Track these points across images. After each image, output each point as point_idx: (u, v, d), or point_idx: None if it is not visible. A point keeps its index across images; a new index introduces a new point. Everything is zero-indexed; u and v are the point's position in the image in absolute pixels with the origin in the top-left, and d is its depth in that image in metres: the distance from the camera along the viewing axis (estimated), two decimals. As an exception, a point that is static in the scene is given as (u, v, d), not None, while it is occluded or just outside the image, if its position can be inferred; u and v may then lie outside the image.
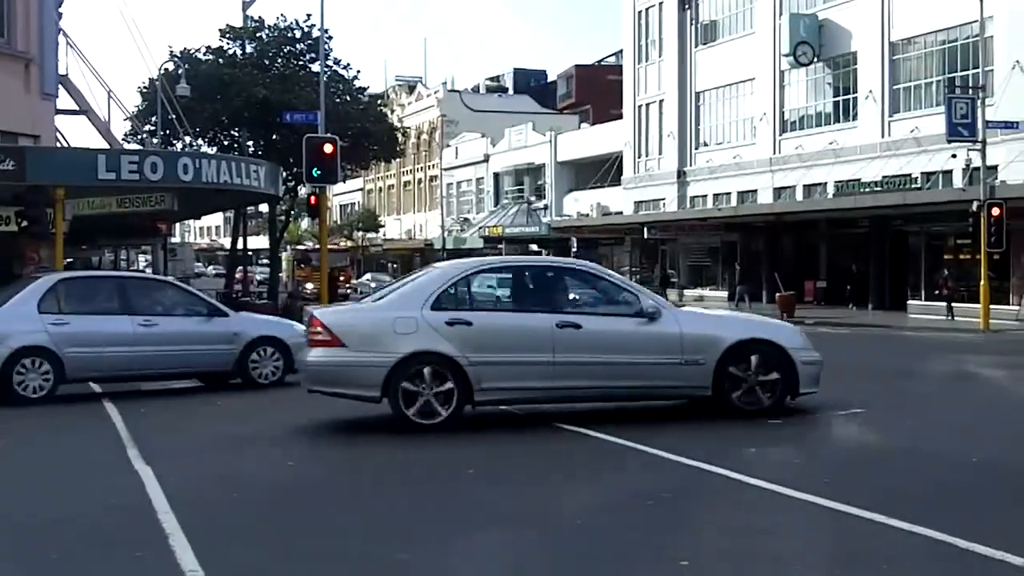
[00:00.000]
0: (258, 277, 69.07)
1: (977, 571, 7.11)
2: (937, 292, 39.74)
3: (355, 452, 12.07)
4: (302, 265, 62.16)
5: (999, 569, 7.03)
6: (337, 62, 38.60)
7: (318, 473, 10.79)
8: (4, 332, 16.33)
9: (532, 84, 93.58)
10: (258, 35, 38.24)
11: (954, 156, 37.71)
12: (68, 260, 30.61)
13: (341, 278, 53.48)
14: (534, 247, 71.23)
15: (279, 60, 38.03)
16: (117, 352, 16.92)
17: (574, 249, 61.54)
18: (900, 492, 9.41)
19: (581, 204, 67.21)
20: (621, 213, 60.76)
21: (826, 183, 46.37)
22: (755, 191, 50.73)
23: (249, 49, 38.03)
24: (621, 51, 67.81)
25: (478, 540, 8.11)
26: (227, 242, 53.52)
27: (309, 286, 50.85)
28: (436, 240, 78.89)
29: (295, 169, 33.49)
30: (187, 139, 36.42)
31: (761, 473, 9.94)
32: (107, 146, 31.64)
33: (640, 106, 60.54)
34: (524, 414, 14.16)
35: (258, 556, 7.74)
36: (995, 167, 35.91)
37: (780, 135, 49.77)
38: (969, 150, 35.56)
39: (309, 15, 37.53)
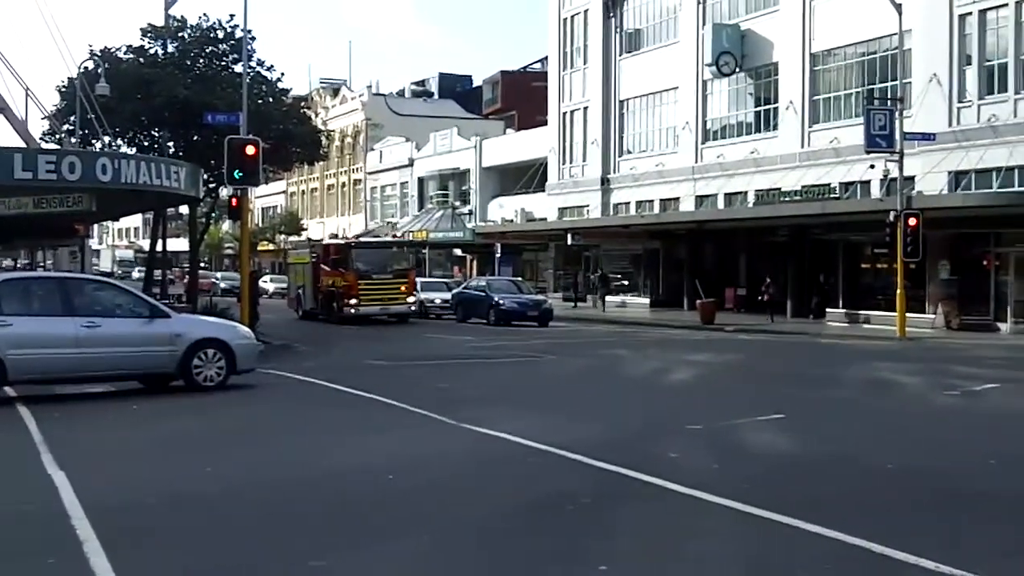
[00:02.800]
0: (223, 284, 67.09)
1: (891, 575, 7.21)
2: (760, 298, 42.75)
3: (274, 456, 11.95)
4: (337, 267, 43.77)
5: (913, 573, 7.14)
6: (260, 63, 38.19)
7: (236, 478, 10.66)
8: None
9: (457, 89, 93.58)
10: (180, 35, 37.73)
11: (872, 167, 38.34)
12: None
13: (403, 288, 42.99)
14: (458, 251, 71.21)
15: (201, 60, 37.55)
16: (60, 354, 16.62)
17: (498, 255, 61.58)
18: (817, 497, 9.53)
19: (506, 210, 67.29)
20: (545, 219, 60.92)
21: (747, 192, 46.88)
22: (677, 199, 51.16)
23: (171, 49, 37.53)
24: (547, 58, 68.02)
25: (390, 548, 8.06)
26: (147, 244, 52.64)
27: (353, 301, 41.97)
28: (359, 244, 78.30)
29: (216, 171, 33.11)
30: (106, 139, 35.81)
31: (680, 478, 10.02)
32: (24, 145, 31.04)
33: (565, 113, 60.77)
34: (422, 414, 14.18)
35: (173, 563, 7.63)
36: (912, 178, 36.56)
37: (702, 144, 50.25)
38: (887, 161, 36.15)
39: (232, 15, 37.01)
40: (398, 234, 57.48)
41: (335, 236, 53.09)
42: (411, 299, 43.61)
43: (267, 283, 77.13)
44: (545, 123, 63.73)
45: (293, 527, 8.57)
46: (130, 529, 8.48)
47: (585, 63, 58.90)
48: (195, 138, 35.93)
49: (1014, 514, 9.04)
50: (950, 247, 37.19)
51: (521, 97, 77.65)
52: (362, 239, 46.95)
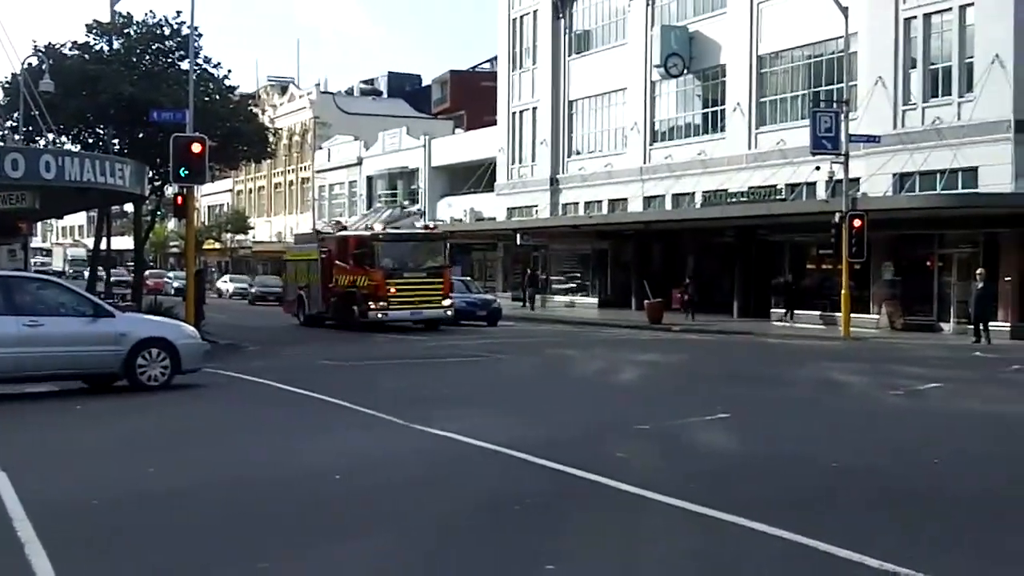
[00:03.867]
0: (176, 284, 65.91)
1: (835, 573, 7.28)
2: (682, 297, 43.85)
3: (220, 456, 11.85)
4: (360, 264, 37.34)
5: (857, 571, 7.21)
6: (207, 60, 37.79)
7: (181, 479, 10.55)
8: None
9: (407, 88, 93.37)
10: (126, 31, 37.29)
11: (818, 168, 38.65)
12: None
13: (438, 288, 37.21)
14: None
15: (147, 57, 37.15)
16: (2, 353, 16.39)
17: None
18: (763, 496, 9.60)
19: (455, 209, 67.22)
20: (494, 219, 60.91)
21: (694, 193, 47.13)
22: (626, 199, 51.33)
23: (116, 45, 37.08)
24: (496, 58, 68.05)
25: (336, 549, 8.02)
26: (91, 242, 52.06)
27: (380, 305, 36.11)
28: (307, 243, 77.83)
29: (162, 168, 32.76)
30: (50, 136, 35.37)
31: (628, 477, 10.05)
32: (-35, 141, 30.60)
33: (514, 113, 60.80)
34: (372, 414, 14.14)
35: (117, 565, 7.55)
36: (857, 179, 36.91)
37: (650, 145, 50.45)
38: (832, 163, 36.45)
39: (179, 12, 36.59)
40: (431, 224, 46.48)
41: (342, 227, 43.55)
42: (447, 301, 37.39)
43: (226, 283, 76.35)
44: (494, 123, 63.75)
45: (238, 528, 8.51)
46: (73, 531, 8.38)
47: (534, 63, 58.97)
48: (140, 135, 35.55)
49: (957, 512, 9.16)
50: (894, 248, 37.60)
51: (470, 97, 77.64)
52: (389, 229, 38.50)
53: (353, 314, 37.13)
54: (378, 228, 38.20)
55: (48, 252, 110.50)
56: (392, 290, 36.07)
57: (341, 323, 38.00)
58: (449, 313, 37.53)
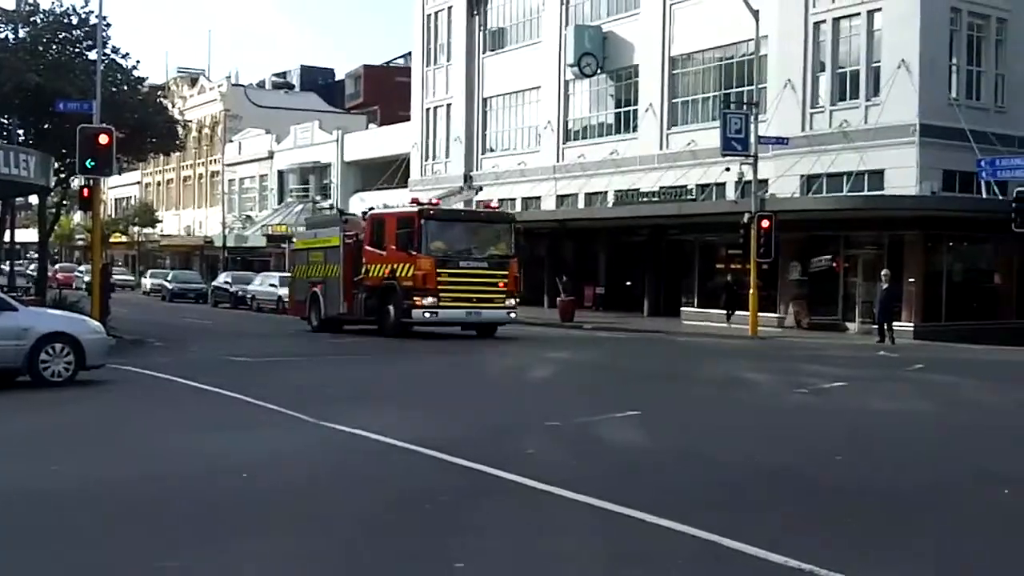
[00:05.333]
0: (87, 278, 63.88)
1: (741, 570, 7.36)
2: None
3: (124, 453, 11.64)
4: (404, 249, 30.18)
5: (763, 568, 7.30)
6: (115, 50, 37.08)
7: (84, 476, 10.35)
8: None
9: (320, 82, 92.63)
10: (32, 19, 36.51)
11: (727, 169, 39.13)
12: None
13: (501, 284, 30.74)
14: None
15: (54, 46, 36.39)
16: None
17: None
18: (671, 493, 9.69)
19: (368, 204, 66.74)
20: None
21: (607, 192, 47.41)
22: (539, 198, 51.47)
23: (22, 34, 36.26)
24: (410, 54, 67.81)
25: (245, 547, 7.93)
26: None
27: (428, 302, 29.52)
28: (216, 237, 77.01)
29: (68, 159, 32.12)
30: (-48, 125, 34.59)
31: (538, 474, 10.07)
32: None
33: (428, 109, 60.65)
34: (280, 411, 14.02)
35: (16, 565, 7.38)
36: (766, 181, 37.42)
37: (564, 143, 50.65)
38: (742, 164, 36.92)
39: (87, 1, 35.95)
40: (495, 203, 37.83)
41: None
42: (511, 301, 31.04)
43: (145, 279, 73.91)
44: (408, 119, 63.54)
45: (144, 527, 8.37)
46: (-29, 530, 8.18)
47: (449, 60, 58.87)
48: (46, 126, 34.83)
49: (860, 508, 9.30)
50: (802, 249, 38.20)
51: (384, 92, 77.26)
52: (442, 206, 32.38)
53: (388, 315, 30.52)
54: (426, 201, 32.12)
55: None
56: (443, 283, 29.48)
57: (375, 327, 31.42)
58: (513, 316, 31.25)
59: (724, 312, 38.73)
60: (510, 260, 31.23)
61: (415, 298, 29.42)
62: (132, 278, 75.79)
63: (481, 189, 44.51)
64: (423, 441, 11.81)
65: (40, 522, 8.48)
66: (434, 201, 32.69)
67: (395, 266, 30.30)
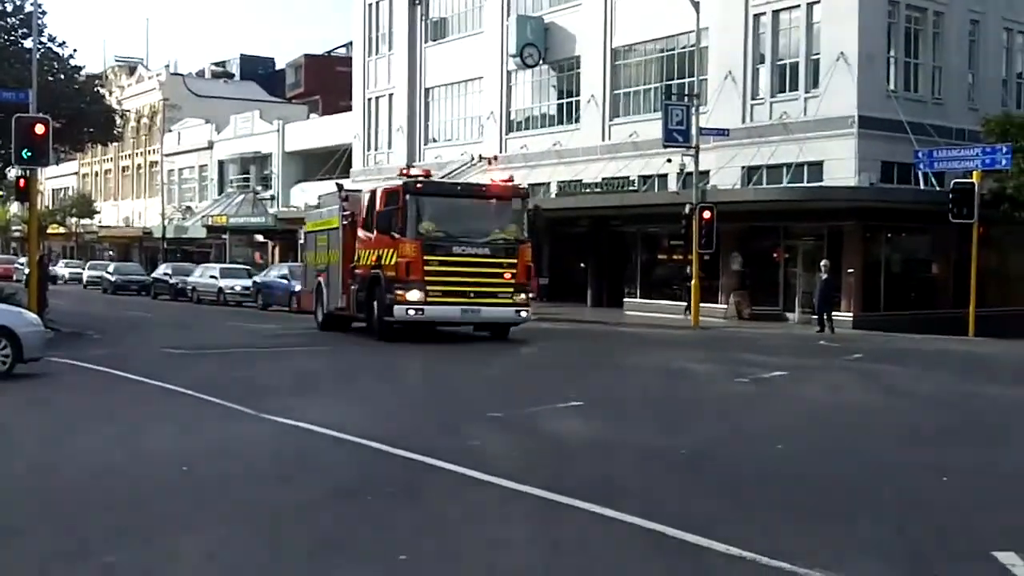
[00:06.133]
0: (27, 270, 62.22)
1: (680, 557, 7.41)
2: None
3: (62, 447, 11.49)
4: (387, 231, 25.30)
5: (702, 555, 7.35)
6: (52, 39, 36.54)
7: (18, 471, 10.21)
8: None
9: (260, 72, 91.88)
10: (-35, 6, 35.98)
11: (669, 161, 39.31)
12: None
13: (507, 275, 25.28)
14: (260, 237, 69.95)
15: (-12, 34, 35.92)
16: None
17: (301, 240, 60.69)
18: (614, 483, 9.73)
19: (309, 195, 66.22)
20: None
21: (550, 183, 47.46)
22: (482, 188, 51.33)
23: (-45, 21, 35.72)
24: (351, 43, 67.43)
25: (183, 541, 7.85)
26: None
27: (412, 297, 24.50)
28: (156, 228, 76.18)
29: (3, 150, 31.64)
30: None
31: (481, 465, 10.08)
32: None
33: (370, 99, 60.34)
34: (221, 403, 13.93)
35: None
36: (707, 172, 37.62)
37: (507, 134, 50.62)
38: (683, 155, 37.11)
39: (22, -12, 35.38)
40: (507, 177, 28.58)
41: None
42: (523, 296, 25.62)
43: (78, 270, 72.00)
44: (350, 109, 63.18)
45: (81, 522, 8.27)
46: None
47: (390, 49, 58.60)
48: (-20, 115, 34.29)
49: (800, 496, 9.40)
50: (743, 240, 38.51)
51: (326, 82, 76.77)
52: (435, 177, 28.44)
53: (373, 312, 26.02)
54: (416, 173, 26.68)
55: None
56: (432, 272, 24.45)
57: (370, 326, 26.54)
58: (524, 314, 25.77)
59: (684, 304, 38.28)
60: (520, 246, 25.59)
61: (397, 291, 24.33)
62: (81, 270, 73.86)
63: (495, 159, 40.75)
64: (365, 433, 11.78)
65: (-25, 518, 8.34)
66: (423, 173, 26.96)
67: (380, 252, 25.69)
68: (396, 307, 24.56)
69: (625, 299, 42.67)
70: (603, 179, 43.43)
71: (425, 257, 24.50)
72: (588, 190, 43.86)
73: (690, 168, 36.23)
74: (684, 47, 40.84)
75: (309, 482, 9.75)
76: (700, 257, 34.77)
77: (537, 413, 13.98)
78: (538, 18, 48.50)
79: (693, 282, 34.88)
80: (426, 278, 24.39)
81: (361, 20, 60.85)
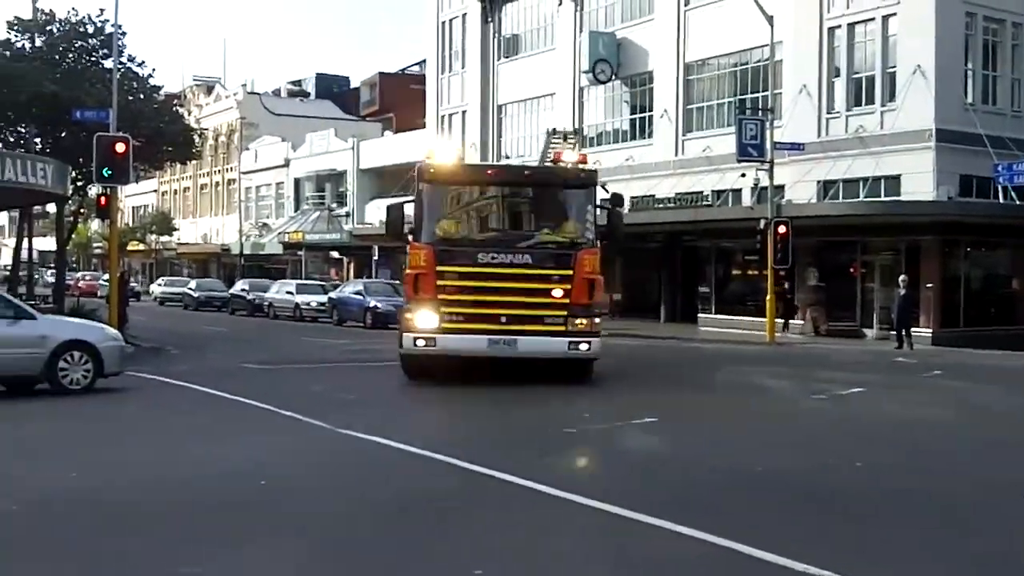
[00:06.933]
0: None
1: (749, 572, 7.34)
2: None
3: (143, 460, 11.67)
4: (400, 233, 20.13)
5: (775, 573, 7.28)
6: (131, 59, 37.30)
7: (103, 483, 10.38)
8: None
9: (335, 90, 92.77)
10: (48, 28, 36.72)
11: (743, 175, 39.05)
12: None
13: (557, 292, 18.66)
14: (335, 254, 70.58)
15: (70, 55, 36.63)
16: None
17: (375, 257, 61.16)
18: (687, 499, 9.68)
19: (383, 212, 66.79)
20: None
21: (623, 198, 47.30)
22: (554, 204, 51.31)
23: (38, 43, 36.47)
24: (425, 61, 67.88)
25: (262, 553, 7.94)
26: (12, 243, 51.01)
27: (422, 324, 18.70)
28: (233, 245, 77.17)
29: (85, 168, 32.25)
30: (-31, 134, 34.76)
31: (553, 481, 10.06)
32: None
33: (444, 116, 60.70)
34: (296, 418, 14.04)
35: (39, 571, 7.42)
36: (782, 186, 37.33)
37: (579, 150, 50.52)
38: (758, 170, 36.87)
39: (103, 10, 36.09)
40: (575, 158, 21.40)
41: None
42: (583, 320, 18.83)
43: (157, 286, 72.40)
44: (424, 126, 63.59)
45: (164, 533, 8.39)
46: (-10, 537, 8.22)
47: (464, 67, 58.93)
48: (63, 134, 35.01)
49: (879, 514, 9.27)
50: (818, 255, 38.11)
51: (399, 99, 77.31)
52: (470, 162, 21.65)
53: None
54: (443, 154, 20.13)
55: None
56: (449, 288, 18.65)
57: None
58: (586, 348, 18.84)
59: (781, 321, 37.55)
60: (579, 252, 18.92)
61: (405, 315, 19.24)
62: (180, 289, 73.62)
63: (575, 134, 30.76)
64: (439, 448, 11.81)
65: (61, 528, 8.51)
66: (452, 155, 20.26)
67: (403, 263, 21.39)
68: (404, 336, 18.84)
69: (699, 314, 42.39)
70: (676, 194, 43.25)
71: (439, 268, 18.51)
72: (661, 205, 43.70)
73: (765, 183, 35.98)
74: (758, 61, 40.58)
75: (384, 495, 9.81)
76: (775, 272, 34.48)
77: (611, 429, 13.95)
78: (610, 34, 48.48)
79: (768, 297, 34.59)
80: (440, 296, 18.46)
81: (434, 38, 61.27)
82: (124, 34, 37.17)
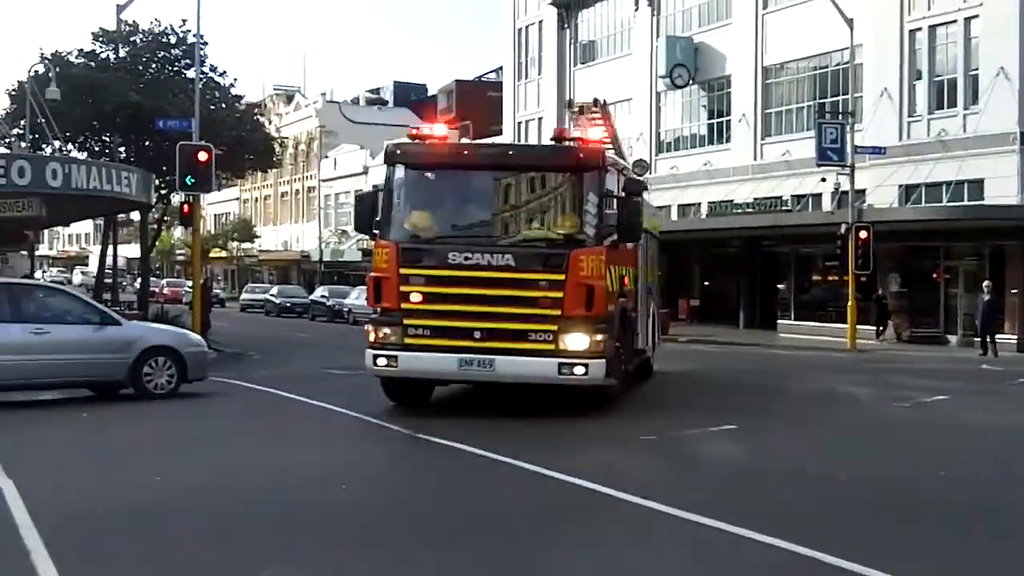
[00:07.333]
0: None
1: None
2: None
3: (224, 465, 11.82)
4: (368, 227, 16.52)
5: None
6: (213, 69, 37.92)
7: (186, 487, 10.54)
8: None
9: (412, 98, 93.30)
10: (132, 39, 37.44)
11: (823, 180, 38.64)
12: None
13: (545, 301, 14.88)
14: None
15: (153, 65, 37.34)
16: (7, 360, 16.31)
17: None
18: (770, 508, 9.58)
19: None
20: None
21: (700, 203, 47.11)
22: (631, 209, 51.14)
23: (122, 53, 37.16)
24: (501, 68, 68.06)
25: (344, 559, 8.00)
26: (97, 250, 51.95)
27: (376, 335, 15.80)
28: (313, 251, 77.96)
29: (168, 176, 32.81)
30: (56, 143, 35.47)
31: (632, 488, 10.02)
32: (-28, 149, 30.69)
33: (520, 123, 60.83)
34: (375, 423, 14.13)
35: (122, 573, 7.54)
36: (863, 191, 36.88)
37: (656, 155, 50.39)
38: (838, 174, 36.47)
39: (184, 20, 36.78)
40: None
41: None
42: (579, 340, 15.03)
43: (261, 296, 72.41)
44: (500, 132, 63.75)
45: (244, 538, 8.50)
46: (80, 539, 8.39)
47: (540, 73, 59.00)
48: (146, 143, 35.66)
49: (963, 524, 9.13)
50: (900, 260, 37.57)
51: (476, 106, 77.52)
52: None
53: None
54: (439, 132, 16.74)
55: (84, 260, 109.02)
56: (416, 296, 15.43)
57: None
58: (583, 371, 15.04)
59: (875, 328, 36.95)
60: (573, 252, 15.17)
61: (367, 326, 16.31)
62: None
63: (601, 105, 25.37)
64: (517, 454, 11.81)
65: (145, 532, 8.64)
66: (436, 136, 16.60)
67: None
68: (367, 351, 15.68)
69: (778, 321, 41.97)
70: (755, 199, 42.91)
71: (403, 270, 15.38)
72: (740, 210, 43.38)
73: (845, 187, 35.58)
74: (837, 64, 40.14)
75: (466, 504, 9.84)
76: (856, 278, 34.07)
77: (689, 436, 13.85)
78: (688, 38, 48.27)
79: (849, 304, 34.20)
80: (403, 305, 15.36)
81: (510, 45, 61.45)
82: (206, 44, 37.98)
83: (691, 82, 48.04)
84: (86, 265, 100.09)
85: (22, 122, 36.39)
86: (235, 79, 40.63)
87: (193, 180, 26.10)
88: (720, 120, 47.24)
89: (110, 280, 39.12)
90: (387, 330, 15.48)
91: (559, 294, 14.96)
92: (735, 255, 45.19)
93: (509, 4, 61.24)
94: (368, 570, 7.67)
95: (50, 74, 34.91)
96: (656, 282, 21.97)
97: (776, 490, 10.56)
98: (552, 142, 17.62)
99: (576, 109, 18.64)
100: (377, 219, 15.93)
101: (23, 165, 23.73)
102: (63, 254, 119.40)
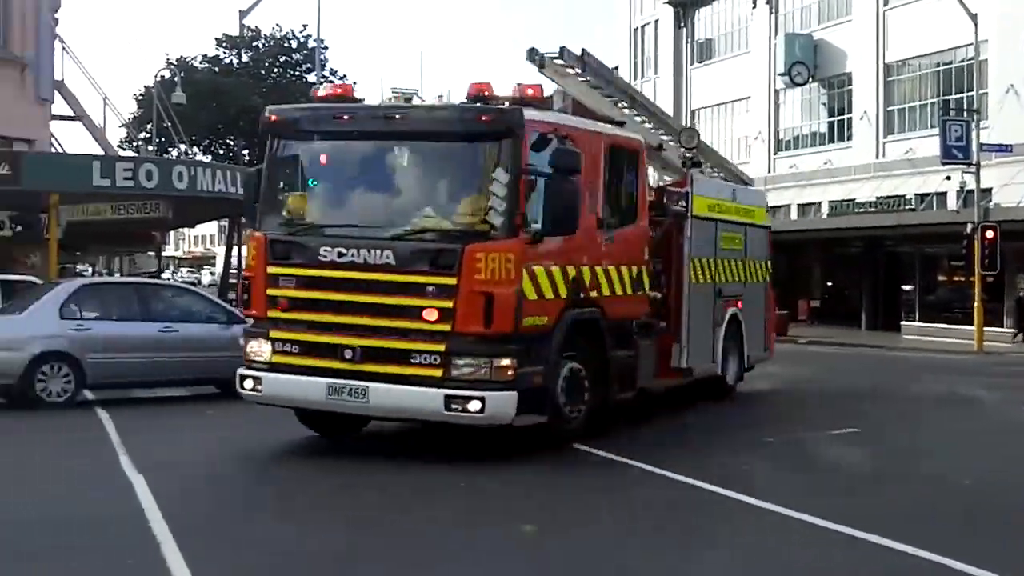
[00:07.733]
0: None
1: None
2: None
3: (327, 466, 11.95)
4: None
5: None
6: (333, 72, 38.57)
7: (306, 483, 10.73)
8: (26, 337, 16.07)
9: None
10: (254, 44, 38.30)
11: (948, 178, 37.78)
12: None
13: (431, 308, 11.03)
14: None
15: (275, 70, 38.13)
16: (138, 358, 16.70)
17: None
18: (893, 512, 9.44)
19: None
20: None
21: (820, 203, 46.42)
22: (750, 209, 50.66)
23: (245, 58, 38.05)
24: (617, 67, 67.92)
25: (476, 552, 8.08)
26: (221, 251, 53.06)
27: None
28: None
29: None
30: (182, 147, 36.38)
31: (752, 491, 9.95)
32: (102, 153, 31.58)
33: (636, 123, 60.57)
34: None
35: (249, 563, 7.71)
36: (989, 190, 35.98)
37: (775, 154, 49.81)
38: (964, 172, 35.64)
39: (305, 26, 37.59)
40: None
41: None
42: (474, 360, 11.05)
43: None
44: (617, 132, 63.59)
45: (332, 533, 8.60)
46: (206, 531, 8.60)
47: (656, 73, 58.72)
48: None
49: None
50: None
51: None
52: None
53: None
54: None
55: (191, 262, 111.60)
56: (283, 301, 12.10)
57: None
58: (476, 409, 10.90)
59: (1013, 331, 35.95)
60: (468, 246, 11.30)
61: (241, 338, 13.22)
62: None
63: (584, 54, 16.07)
64: (632, 454, 11.77)
65: (266, 524, 8.80)
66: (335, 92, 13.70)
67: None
68: (239, 372, 12.58)
69: (902, 322, 41.11)
70: (877, 198, 42.12)
71: (270, 269, 12.20)
72: (861, 210, 42.61)
73: (971, 186, 34.75)
74: (962, 61, 39.21)
75: (592, 506, 9.85)
76: (983, 279, 33.26)
77: (810, 440, 13.67)
78: (807, 35, 47.62)
79: (976, 305, 33.40)
80: (270, 313, 12.23)
81: (627, 44, 61.29)
82: (326, 48, 38.77)
83: (810, 79, 47.37)
84: (214, 266, 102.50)
85: (149, 126, 37.41)
86: (355, 82, 41.14)
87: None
88: (840, 118, 46.48)
89: (234, 281, 39.96)
90: (254, 344, 12.33)
91: (448, 303, 11.18)
92: (857, 255, 44.39)
93: (625, 3, 61.13)
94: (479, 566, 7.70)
95: (176, 79, 35.83)
96: (762, 281, 19.80)
97: (899, 494, 10.37)
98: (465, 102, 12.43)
99: (536, 59, 14.50)
100: (256, 200, 12.85)
101: (151, 168, 24.43)
102: (188, 255, 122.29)
